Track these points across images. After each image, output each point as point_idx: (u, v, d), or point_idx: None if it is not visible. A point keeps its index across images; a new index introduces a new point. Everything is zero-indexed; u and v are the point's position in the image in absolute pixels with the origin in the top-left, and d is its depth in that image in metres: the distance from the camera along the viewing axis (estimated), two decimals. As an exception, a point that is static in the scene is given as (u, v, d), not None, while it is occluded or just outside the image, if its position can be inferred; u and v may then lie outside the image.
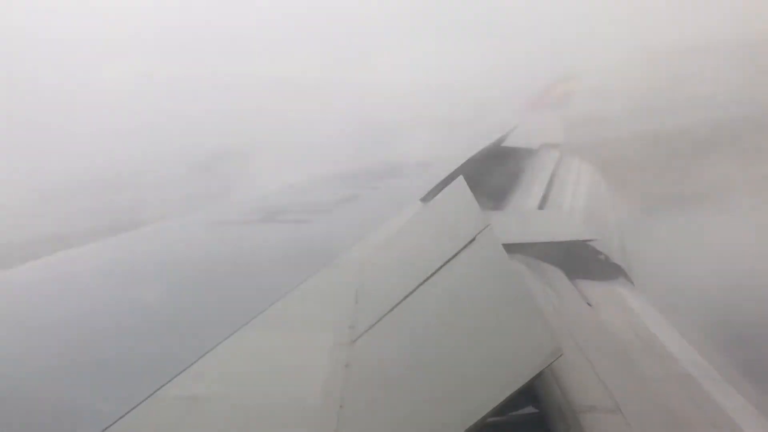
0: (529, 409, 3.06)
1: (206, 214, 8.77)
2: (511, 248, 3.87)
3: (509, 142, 12.07)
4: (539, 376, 2.32)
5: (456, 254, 3.79)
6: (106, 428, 2.88)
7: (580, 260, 5.62)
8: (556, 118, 13.66)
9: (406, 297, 3.76)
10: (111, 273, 5.70)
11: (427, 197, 7.20)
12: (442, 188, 6.11)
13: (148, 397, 3.14)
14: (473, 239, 3.78)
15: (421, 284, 3.79)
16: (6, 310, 4.82)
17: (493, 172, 9.38)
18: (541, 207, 8.22)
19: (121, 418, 2.96)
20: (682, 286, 5.94)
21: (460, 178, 5.29)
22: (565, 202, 8.62)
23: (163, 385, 3.25)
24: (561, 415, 2.86)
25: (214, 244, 6.68)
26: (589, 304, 4.67)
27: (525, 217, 7.69)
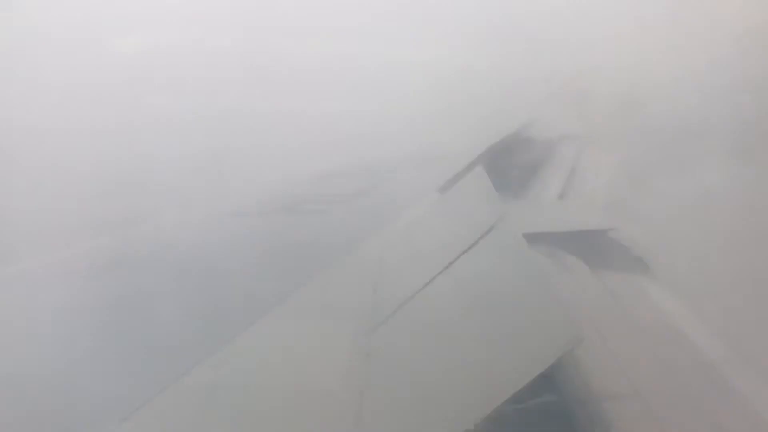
0: (550, 397, 3.06)
1: (226, 206, 8.81)
2: (531, 238, 3.87)
3: (529, 133, 11.98)
4: (559, 362, 2.33)
5: (475, 243, 3.79)
6: (127, 416, 2.92)
7: (600, 250, 5.59)
8: (576, 108, 13.53)
9: (425, 286, 3.76)
10: (130, 263, 5.76)
11: (445, 188, 7.18)
12: (461, 179, 6.09)
13: (172, 384, 3.18)
14: (492, 228, 3.78)
15: (440, 273, 3.79)
16: (27, 302, 4.89)
17: (512, 164, 9.33)
18: (561, 196, 8.17)
19: (144, 404, 3.00)
20: (704, 275, 5.86)
21: (480, 168, 5.28)
22: (586, 192, 8.55)
23: (185, 373, 3.29)
24: (582, 403, 2.86)
25: (234, 235, 6.72)
26: (610, 294, 4.64)
27: (545, 206, 7.65)
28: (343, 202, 7.81)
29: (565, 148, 11.20)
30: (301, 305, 4.26)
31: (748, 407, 2.96)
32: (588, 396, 2.90)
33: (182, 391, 3.15)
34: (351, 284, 4.59)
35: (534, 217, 6.33)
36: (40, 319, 4.39)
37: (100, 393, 3.24)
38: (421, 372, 3.01)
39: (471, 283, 3.68)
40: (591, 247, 5.52)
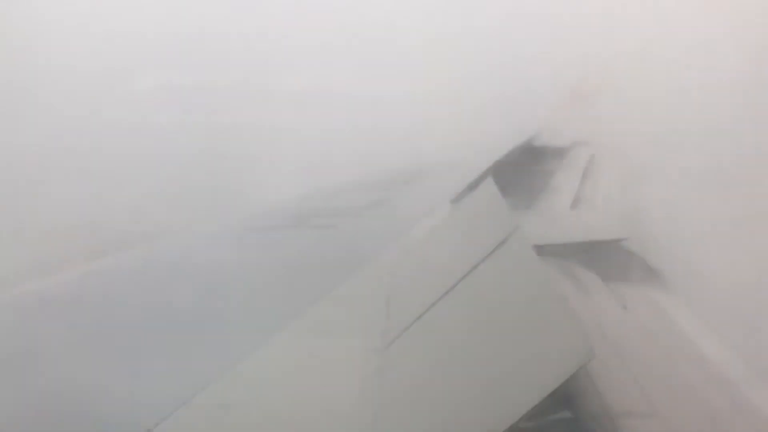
0: (565, 414, 3.02)
1: (236, 220, 8.82)
2: (542, 249, 3.85)
3: (539, 141, 11.95)
4: (573, 378, 2.30)
5: (486, 257, 3.77)
6: None
7: (614, 261, 5.54)
8: (587, 114, 13.48)
9: (437, 301, 3.75)
10: (141, 280, 5.77)
11: (457, 199, 7.16)
12: (472, 190, 6.07)
13: (183, 405, 3.17)
14: (504, 241, 3.75)
15: (452, 288, 3.77)
16: (42, 318, 4.90)
17: (523, 172, 9.29)
18: (573, 206, 8.13)
19: (156, 425, 2.99)
20: (723, 290, 5.79)
21: (489, 180, 5.26)
22: (598, 201, 8.51)
23: (197, 393, 3.28)
24: (597, 420, 2.83)
25: (244, 250, 6.72)
26: (624, 307, 4.60)
27: (556, 216, 7.61)
28: (353, 216, 7.80)
29: (576, 156, 11.17)
30: (313, 322, 4.24)
31: (765, 424, 2.91)
32: (603, 413, 2.86)
33: (195, 411, 3.14)
34: (363, 300, 4.58)
35: (546, 228, 6.30)
36: (51, 336, 4.39)
37: (110, 413, 3.23)
38: (434, 389, 2.99)
39: (483, 298, 3.66)
40: (604, 258, 5.48)
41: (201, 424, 3.04)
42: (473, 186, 6.48)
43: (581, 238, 5.90)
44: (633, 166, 10.61)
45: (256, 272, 5.69)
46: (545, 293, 3.07)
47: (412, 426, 2.83)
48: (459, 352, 3.21)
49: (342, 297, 4.66)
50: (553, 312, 2.83)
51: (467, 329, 3.43)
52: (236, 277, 5.56)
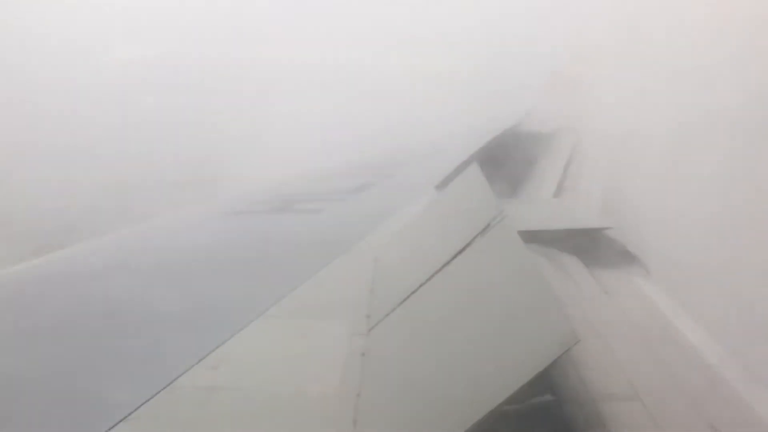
0: (547, 397, 3.05)
1: (220, 204, 8.79)
2: (526, 236, 3.87)
3: (524, 128, 11.99)
4: (556, 362, 2.32)
5: (471, 242, 3.78)
6: (123, 418, 2.90)
7: (596, 248, 5.59)
8: (573, 101, 13.54)
9: (421, 286, 3.76)
10: (125, 264, 5.73)
11: (442, 185, 7.18)
12: (457, 175, 6.08)
13: (166, 387, 3.16)
14: (488, 227, 3.76)
15: (436, 273, 3.78)
16: (24, 301, 4.86)
17: (507, 159, 9.32)
18: (556, 194, 8.17)
19: (138, 408, 2.98)
20: (702, 276, 5.87)
21: (474, 165, 5.27)
22: (582, 188, 8.56)
23: (180, 375, 3.27)
24: (579, 403, 2.86)
25: (229, 234, 6.70)
26: (606, 292, 4.64)
27: (540, 204, 7.65)
28: (339, 201, 7.79)
29: (560, 142, 11.22)
30: (298, 304, 4.24)
31: (745, 408, 2.96)
32: (585, 396, 2.90)
33: (179, 392, 3.14)
34: (346, 284, 4.58)
35: (530, 214, 6.33)
36: (37, 319, 4.36)
37: (96, 394, 3.21)
38: (418, 373, 3.01)
39: (467, 283, 3.67)
40: (587, 245, 5.52)
41: (185, 406, 3.03)
42: (458, 171, 6.48)
43: (564, 226, 5.94)
44: (617, 155, 10.68)
45: (240, 255, 5.67)
46: (529, 278, 3.08)
47: (395, 408, 2.84)
48: (443, 335, 3.23)
49: (326, 280, 4.66)
50: (538, 296, 2.84)
51: (451, 313, 3.44)
52: (220, 260, 5.55)
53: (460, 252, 3.79)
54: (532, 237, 5.16)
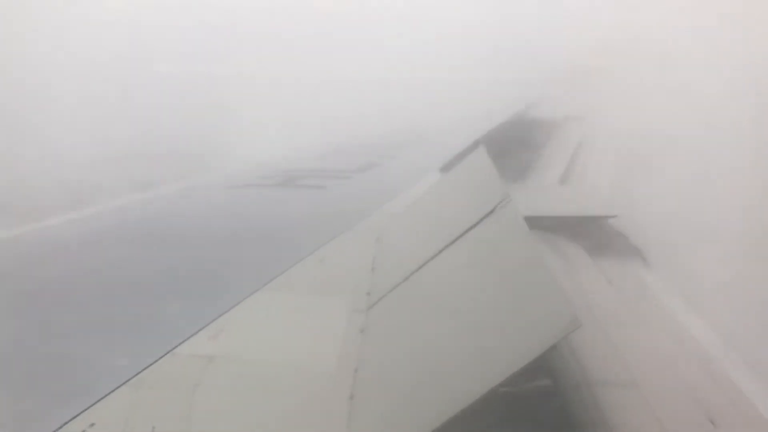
0: (546, 382, 3.05)
1: (224, 177, 8.77)
2: (530, 221, 3.85)
3: (534, 114, 11.93)
4: (555, 347, 2.31)
5: (475, 224, 3.76)
6: (124, 383, 2.92)
7: (600, 237, 5.57)
8: (584, 91, 13.47)
9: (422, 265, 3.74)
10: (129, 234, 5.73)
11: (447, 167, 7.15)
12: (463, 158, 6.04)
13: (166, 353, 3.17)
14: (493, 210, 3.74)
15: (438, 253, 3.76)
16: (26, 266, 4.87)
17: (515, 143, 9.29)
18: (563, 181, 8.14)
19: (139, 373, 3.00)
20: (703, 267, 5.86)
21: (481, 148, 5.23)
22: (588, 176, 8.53)
23: (181, 343, 3.28)
24: (577, 389, 2.85)
25: (232, 207, 6.69)
26: (609, 281, 4.63)
27: (546, 190, 7.62)
28: (343, 179, 7.77)
29: (568, 130, 11.17)
30: (297, 280, 4.24)
31: (744, 401, 2.96)
32: (583, 382, 2.89)
33: (178, 359, 3.15)
34: (349, 261, 4.57)
35: (535, 200, 6.30)
36: (40, 284, 4.37)
37: (97, 361, 3.23)
38: (416, 351, 3.01)
39: (469, 265, 3.66)
40: (591, 233, 5.51)
41: (184, 374, 3.04)
42: (464, 155, 6.45)
43: (569, 213, 5.92)
44: (624, 146, 10.64)
45: (242, 228, 5.67)
46: (532, 262, 3.06)
47: (392, 385, 2.84)
48: (442, 315, 3.22)
49: (328, 257, 4.66)
50: (540, 281, 2.83)
51: (451, 294, 3.43)
52: (222, 232, 5.54)
53: (463, 234, 3.77)
54: (536, 222, 5.14)
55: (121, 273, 4.51)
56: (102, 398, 2.83)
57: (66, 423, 2.68)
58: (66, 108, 18.08)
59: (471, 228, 3.76)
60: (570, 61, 16.36)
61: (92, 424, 2.67)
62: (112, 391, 2.87)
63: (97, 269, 4.66)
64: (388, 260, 4.39)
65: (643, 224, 6.26)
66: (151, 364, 3.07)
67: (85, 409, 2.76)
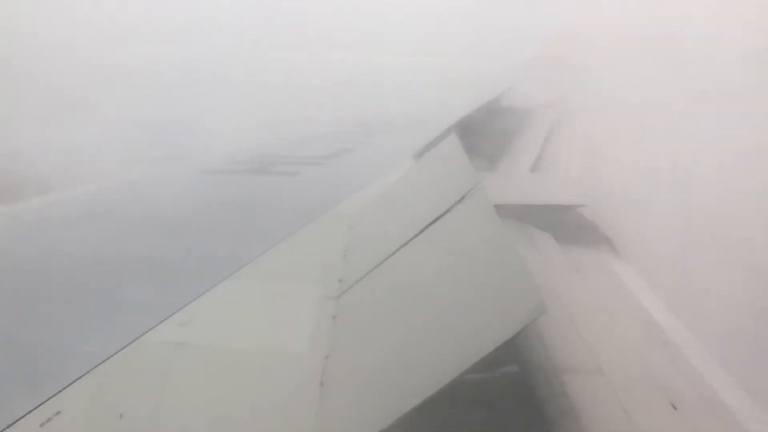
0: (512, 368, 3.09)
1: (195, 162, 8.68)
2: (501, 209, 3.88)
3: (506, 101, 11.98)
4: (523, 334, 2.34)
5: (446, 212, 3.78)
6: (91, 369, 2.89)
7: (569, 225, 5.64)
8: (553, 77, 13.54)
9: (394, 252, 3.76)
10: (99, 219, 5.65)
11: (420, 154, 7.16)
12: (435, 145, 6.06)
13: (134, 340, 3.15)
14: (463, 197, 3.77)
15: (410, 240, 3.78)
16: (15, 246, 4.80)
17: (487, 130, 9.33)
18: (534, 169, 8.20)
19: (106, 360, 2.97)
20: (670, 257, 5.97)
21: (453, 136, 5.25)
22: (558, 166, 8.60)
23: (149, 330, 3.26)
24: (544, 375, 2.90)
25: (204, 192, 6.63)
26: (577, 269, 4.69)
27: (516, 178, 7.67)
28: (316, 165, 7.74)
29: (540, 118, 11.24)
30: (269, 267, 4.22)
31: (706, 387, 3.03)
32: (550, 369, 2.94)
33: (148, 347, 3.13)
34: (321, 247, 4.57)
35: (506, 188, 6.34)
36: (4, 266, 4.31)
37: (64, 347, 3.19)
38: (387, 337, 3.03)
39: (439, 252, 3.68)
40: (561, 222, 5.56)
41: (153, 361, 3.03)
42: (437, 142, 6.47)
43: (539, 201, 5.97)
44: (595, 134, 10.75)
45: (214, 213, 5.63)
46: (501, 249, 3.10)
47: (363, 372, 2.86)
48: (413, 302, 3.24)
49: (300, 243, 4.65)
50: (508, 267, 2.86)
51: (422, 280, 3.45)
52: (193, 217, 5.49)
53: (434, 221, 3.80)
54: (506, 210, 5.19)
55: (90, 258, 4.45)
56: (69, 385, 2.80)
57: (31, 411, 2.65)
58: (36, 92, 17.75)
59: (442, 215, 3.78)
60: (544, 48, 16.43)
61: (58, 412, 2.64)
62: (79, 378, 2.84)
63: (65, 254, 4.59)
64: (360, 247, 4.40)
65: (612, 213, 6.35)
66: (119, 351, 3.04)
67: (51, 397, 2.73)
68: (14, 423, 2.58)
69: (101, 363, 2.95)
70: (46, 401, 2.70)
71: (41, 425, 2.57)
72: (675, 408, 2.75)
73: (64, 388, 2.78)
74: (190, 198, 6.36)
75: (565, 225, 5.61)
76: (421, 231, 3.78)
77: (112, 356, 3.01)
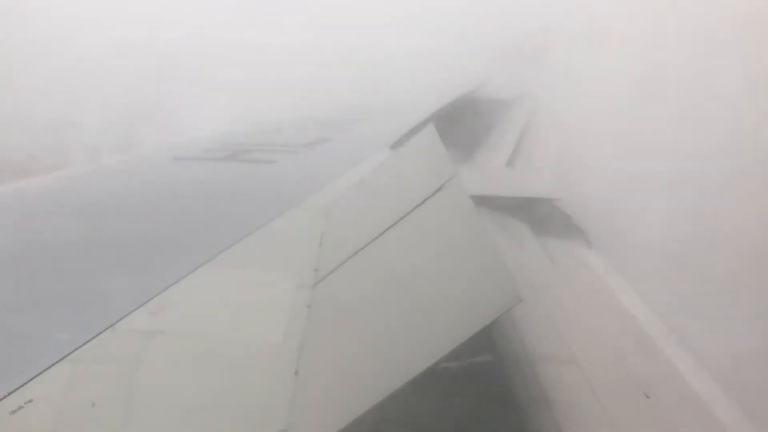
0: (487, 357, 3.11)
1: (169, 149, 8.59)
2: (477, 201, 3.90)
3: (483, 93, 12.00)
4: (498, 323, 2.35)
5: (422, 202, 3.78)
6: (63, 357, 2.85)
7: (544, 218, 5.68)
8: (531, 70, 13.61)
9: (370, 242, 3.76)
10: (71, 205, 5.57)
11: (397, 144, 7.16)
12: (413, 136, 6.06)
13: (107, 328, 3.11)
14: (440, 188, 3.77)
15: (386, 230, 3.78)
16: None
17: (464, 122, 9.34)
18: (510, 161, 8.25)
19: (79, 347, 2.93)
20: (641, 248, 6.03)
21: (431, 126, 5.25)
22: (534, 159, 8.66)
23: (122, 318, 3.22)
24: (517, 364, 2.92)
25: (177, 179, 6.57)
26: (551, 260, 4.73)
27: (492, 171, 7.71)
28: (292, 153, 7.70)
29: (516, 111, 11.29)
30: (243, 255, 4.20)
31: (677, 376, 3.08)
32: (524, 358, 2.96)
33: (119, 335, 3.09)
34: (296, 236, 4.55)
35: (482, 180, 6.38)
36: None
37: (35, 334, 3.14)
38: (362, 328, 3.02)
39: (415, 242, 3.69)
40: (536, 214, 5.61)
41: (125, 349, 2.99)
42: (414, 132, 6.47)
43: (514, 194, 6.01)
44: (570, 127, 10.82)
45: (187, 201, 5.57)
46: (476, 239, 3.11)
47: (337, 361, 2.86)
48: (388, 291, 3.24)
49: (275, 232, 4.62)
50: (483, 257, 2.87)
51: (398, 270, 3.45)
52: (166, 204, 5.44)
53: (411, 211, 3.80)
54: (482, 202, 5.21)
55: (62, 245, 4.39)
56: (40, 373, 2.76)
57: (2, 398, 2.60)
58: (3, 75, 17.43)
59: (419, 205, 3.79)
60: (521, 40, 16.50)
61: (30, 400, 2.60)
62: (51, 366, 2.80)
63: (35, 241, 4.52)
64: (337, 236, 4.39)
65: (587, 206, 6.41)
66: (91, 339, 3.00)
67: (23, 385, 2.69)
68: None
69: (73, 351, 2.91)
70: (17, 389, 2.66)
71: (12, 413, 2.53)
72: (648, 397, 2.79)
73: (36, 376, 2.74)
74: (163, 185, 6.29)
75: (541, 217, 5.65)
76: (398, 221, 3.78)
77: (84, 344, 2.97)
